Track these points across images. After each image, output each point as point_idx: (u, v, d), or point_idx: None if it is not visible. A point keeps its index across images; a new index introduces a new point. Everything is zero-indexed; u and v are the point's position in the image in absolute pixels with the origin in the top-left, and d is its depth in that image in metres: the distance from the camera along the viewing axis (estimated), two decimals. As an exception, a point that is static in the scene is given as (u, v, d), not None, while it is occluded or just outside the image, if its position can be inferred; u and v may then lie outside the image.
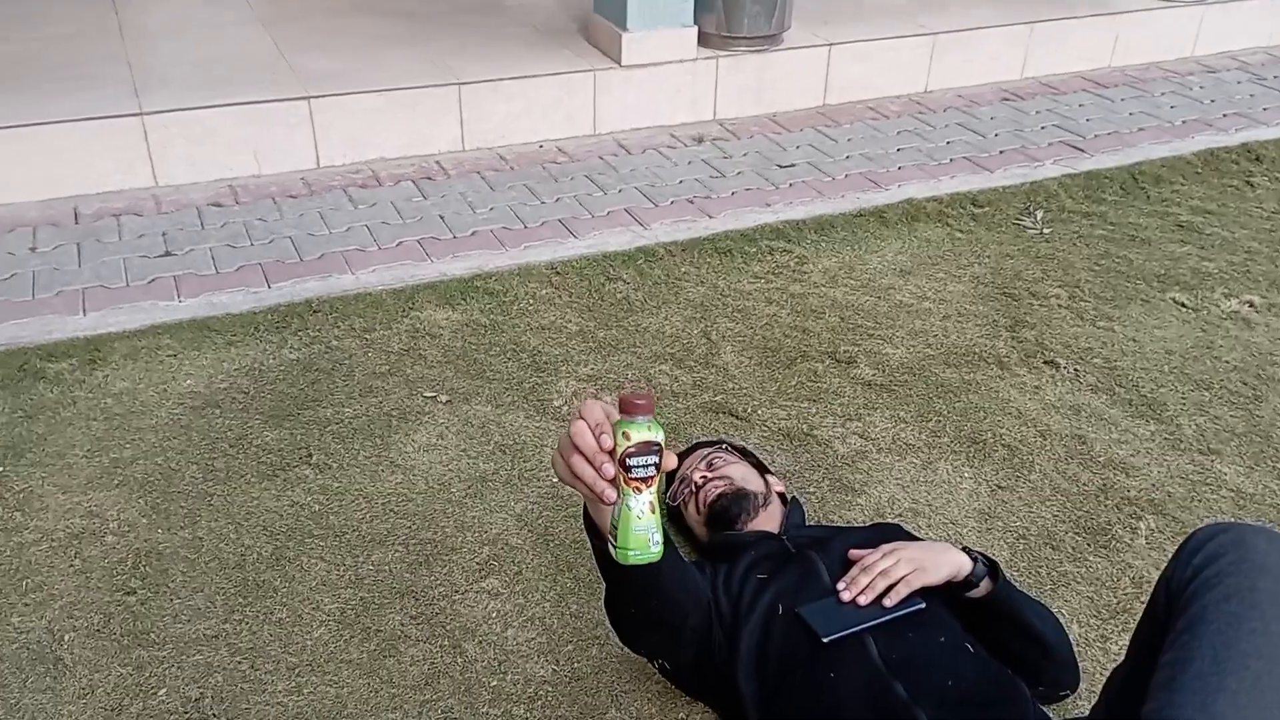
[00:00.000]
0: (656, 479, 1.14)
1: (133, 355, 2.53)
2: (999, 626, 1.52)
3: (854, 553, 1.57)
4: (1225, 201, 3.44)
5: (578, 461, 1.14)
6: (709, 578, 1.62)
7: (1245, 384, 2.46)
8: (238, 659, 1.73)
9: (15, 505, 2.04)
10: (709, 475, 1.86)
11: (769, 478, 1.91)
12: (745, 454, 1.98)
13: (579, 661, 1.73)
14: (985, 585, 1.51)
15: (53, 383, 2.42)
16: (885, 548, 1.54)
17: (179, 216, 3.25)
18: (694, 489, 1.86)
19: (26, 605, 1.81)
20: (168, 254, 3.03)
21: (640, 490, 1.13)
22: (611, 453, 1.13)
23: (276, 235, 3.16)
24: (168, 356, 2.54)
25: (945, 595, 1.52)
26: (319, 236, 3.16)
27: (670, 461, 1.15)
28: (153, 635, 1.77)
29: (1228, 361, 2.55)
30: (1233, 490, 2.11)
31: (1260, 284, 2.92)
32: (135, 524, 2.01)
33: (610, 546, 1.18)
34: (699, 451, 1.97)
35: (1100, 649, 1.75)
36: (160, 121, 3.37)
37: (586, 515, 1.32)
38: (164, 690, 1.66)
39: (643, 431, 1.12)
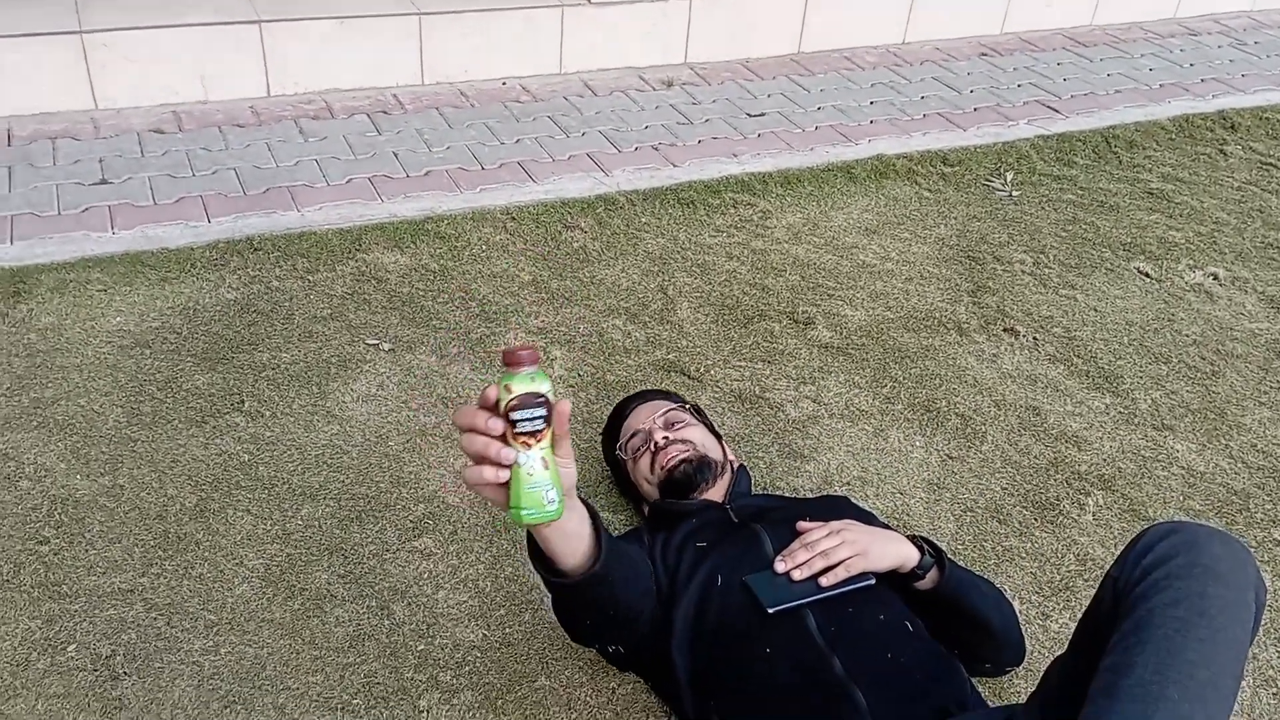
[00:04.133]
0: (546, 433, 1.08)
1: (60, 289, 2.42)
2: (944, 614, 1.48)
3: (801, 525, 1.52)
4: (1197, 170, 3.39)
5: (468, 438, 1.07)
6: (646, 548, 1.57)
7: (1203, 359, 2.43)
8: (153, 615, 1.66)
9: (-75, 445, 1.95)
10: (670, 436, 1.75)
11: (723, 445, 1.84)
12: (698, 412, 1.90)
13: (510, 627, 1.68)
14: (932, 577, 1.47)
15: (-27, 315, 2.30)
16: (834, 525, 1.49)
17: (118, 142, 3.11)
18: (654, 447, 1.75)
19: (-69, 553, 1.73)
20: (104, 181, 2.89)
21: (529, 445, 1.08)
22: (496, 407, 1.07)
23: (220, 166, 3.02)
24: (97, 291, 2.43)
25: (890, 580, 1.48)
26: (265, 170, 3.03)
27: (564, 410, 1.09)
28: (65, 587, 1.69)
29: (1187, 335, 2.52)
30: (1184, 468, 2.08)
31: (1226, 256, 2.88)
32: (53, 469, 1.92)
33: (505, 511, 1.12)
34: (653, 403, 1.85)
35: (1041, 626, 1.72)
36: (101, 40, 3.20)
37: (531, 543, 1.26)
38: (73, 646, 1.59)
39: (525, 383, 1.07)
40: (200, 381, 2.17)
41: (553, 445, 1.10)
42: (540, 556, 1.26)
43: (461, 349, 2.33)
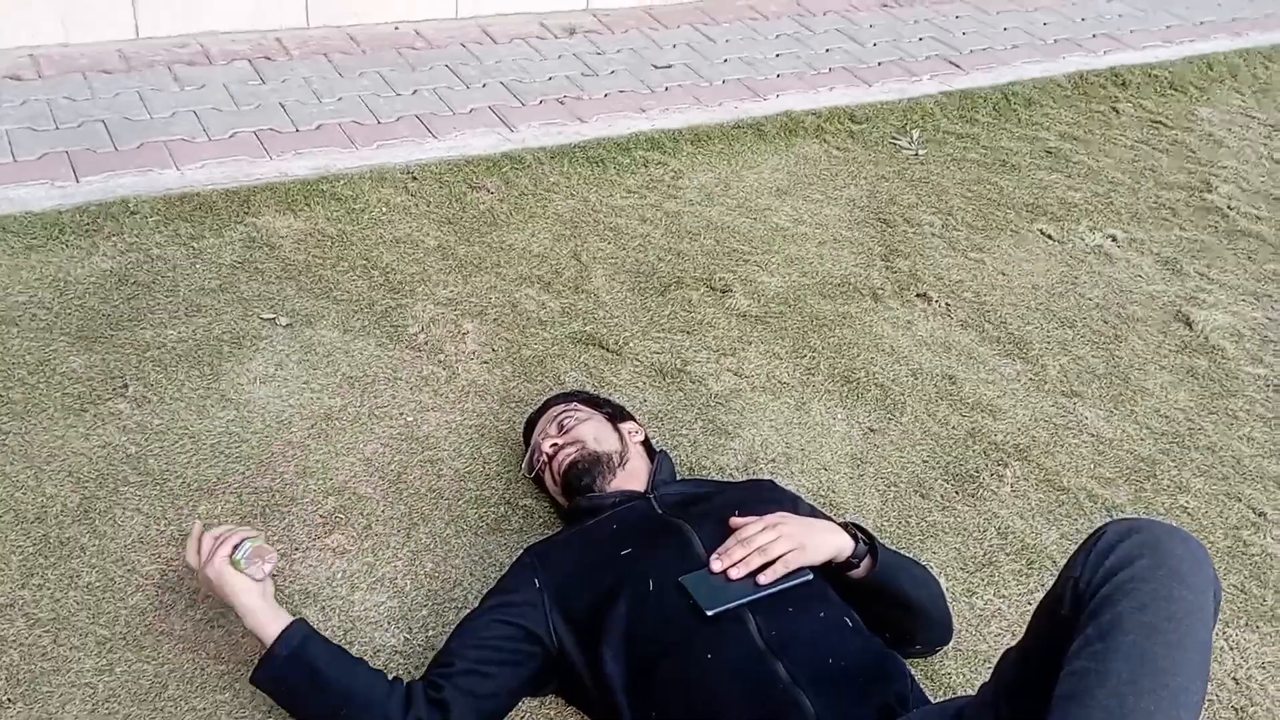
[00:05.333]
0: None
1: (-92, 259, 2.18)
2: (876, 601, 1.47)
3: (734, 521, 1.48)
4: (1092, 128, 3.45)
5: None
6: (539, 590, 1.48)
7: (1106, 322, 2.49)
8: (37, 632, 1.52)
9: None
10: (559, 442, 1.71)
11: (625, 427, 1.78)
12: (597, 404, 1.84)
13: (433, 629, 1.60)
14: (865, 565, 1.45)
15: None
16: (768, 519, 1.45)
17: (-33, 90, 2.82)
18: (546, 459, 1.72)
19: None
20: (-47, 135, 2.62)
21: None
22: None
23: (87, 118, 2.77)
24: (-48, 262, 2.20)
25: (825, 571, 1.46)
26: (138, 122, 2.79)
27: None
28: (-67, 604, 1.53)
29: (1090, 298, 2.57)
30: (1093, 435, 2.12)
31: (1122, 217, 2.95)
32: (-88, 468, 1.74)
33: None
34: (550, 411, 1.81)
35: (967, 603, 1.74)
36: (-60, -26, 2.89)
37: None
38: (-53, 672, 1.45)
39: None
40: (76, 364, 1.99)
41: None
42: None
43: (366, 323, 2.21)
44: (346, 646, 1.55)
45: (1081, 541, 1.16)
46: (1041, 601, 1.19)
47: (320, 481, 1.82)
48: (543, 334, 2.25)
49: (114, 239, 2.34)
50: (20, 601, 1.56)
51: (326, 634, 1.57)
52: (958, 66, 3.77)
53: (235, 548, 1.40)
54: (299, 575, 1.66)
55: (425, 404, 2.03)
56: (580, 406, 1.79)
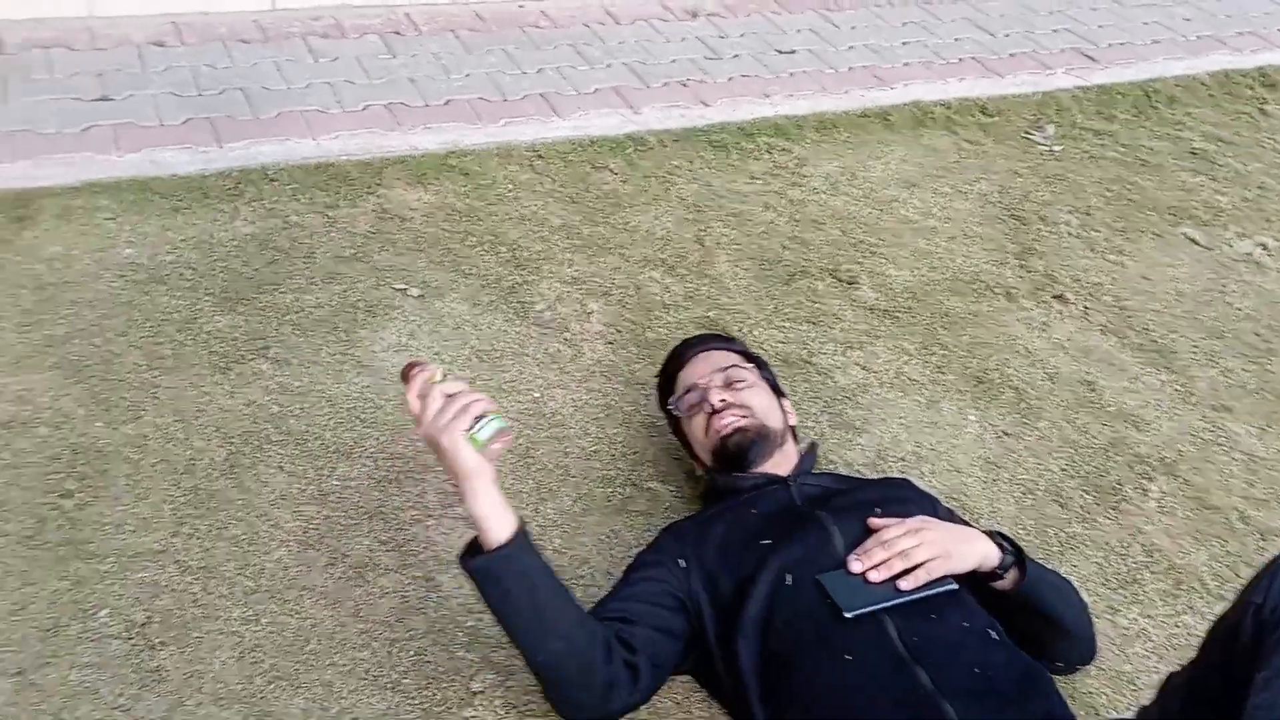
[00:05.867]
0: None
1: (66, 216, 2.27)
2: (1019, 614, 1.42)
3: (874, 521, 1.44)
4: (1239, 130, 3.29)
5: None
6: (682, 568, 1.47)
7: (1258, 335, 2.37)
8: (188, 579, 1.57)
9: (-67, 385, 1.82)
10: (727, 399, 1.63)
11: (785, 404, 1.74)
12: (761, 366, 1.78)
13: (563, 603, 1.61)
14: (1012, 577, 1.41)
15: (-26, 241, 2.16)
16: (910, 523, 1.41)
17: (116, 54, 2.92)
18: (709, 409, 1.64)
19: (-53, 506, 1.62)
20: (105, 98, 2.71)
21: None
22: None
23: (227, 86, 2.85)
24: (105, 219, 2.28)
25: (968, 579, 1.41)
26: (275, 91, 2.86)
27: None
28: (92, 546, 1.60)
29: (1240, 309, 2.46)
30: (1245, 454, 2.03)
31: (1273, 224, 2.80)
32: (71, 414, 1.81)
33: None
34: (713, 354, 1.72)
35: (1109, 620, 1.67)
36: (97, -59, 2.99)
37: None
38: (105, 611, 1.51)
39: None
40: (221, 323, 2.05)
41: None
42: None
43: (494, 297, 2.23)
44: (478, 617, 1.57)
45: (1261, 567, 1.11)
46: (1214, 627, 1.13)
47: (452, 451, 1.84)
48: (666, 317, 2.24)
49: (254, 204, 2.40)
50: (172, 548, 1.61)
51: (460, 601, 1.59)
52: (1093, 60, 3.64)
53: (476, 420, 1.29)
54: (432, 542, 1.68)
55: (551, 381, 2.04)
56: (746, 365, 1.71)
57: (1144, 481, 1.93)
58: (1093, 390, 2.15)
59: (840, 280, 2.40)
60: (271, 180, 2.48)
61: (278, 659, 1.48)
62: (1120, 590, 1.73)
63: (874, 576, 1.37)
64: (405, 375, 1.36)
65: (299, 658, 1.48)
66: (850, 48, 3.54)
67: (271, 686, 1.44)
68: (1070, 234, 2.67)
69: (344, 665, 1.48)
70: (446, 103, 2.93)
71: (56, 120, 2.59)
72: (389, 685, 1.47)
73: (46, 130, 2.54)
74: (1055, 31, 3.83)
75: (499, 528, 1.30)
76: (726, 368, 1.69)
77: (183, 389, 1.89)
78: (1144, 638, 1.65)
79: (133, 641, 1.47)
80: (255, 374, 1.95)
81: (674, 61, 3.30)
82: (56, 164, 2.43)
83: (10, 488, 1.66)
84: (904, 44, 3.61)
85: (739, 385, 1.67)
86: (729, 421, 1.62)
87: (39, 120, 2.57)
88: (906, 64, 3.47)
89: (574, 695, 1.35)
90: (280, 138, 2.66)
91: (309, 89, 2.90)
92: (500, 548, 1.30)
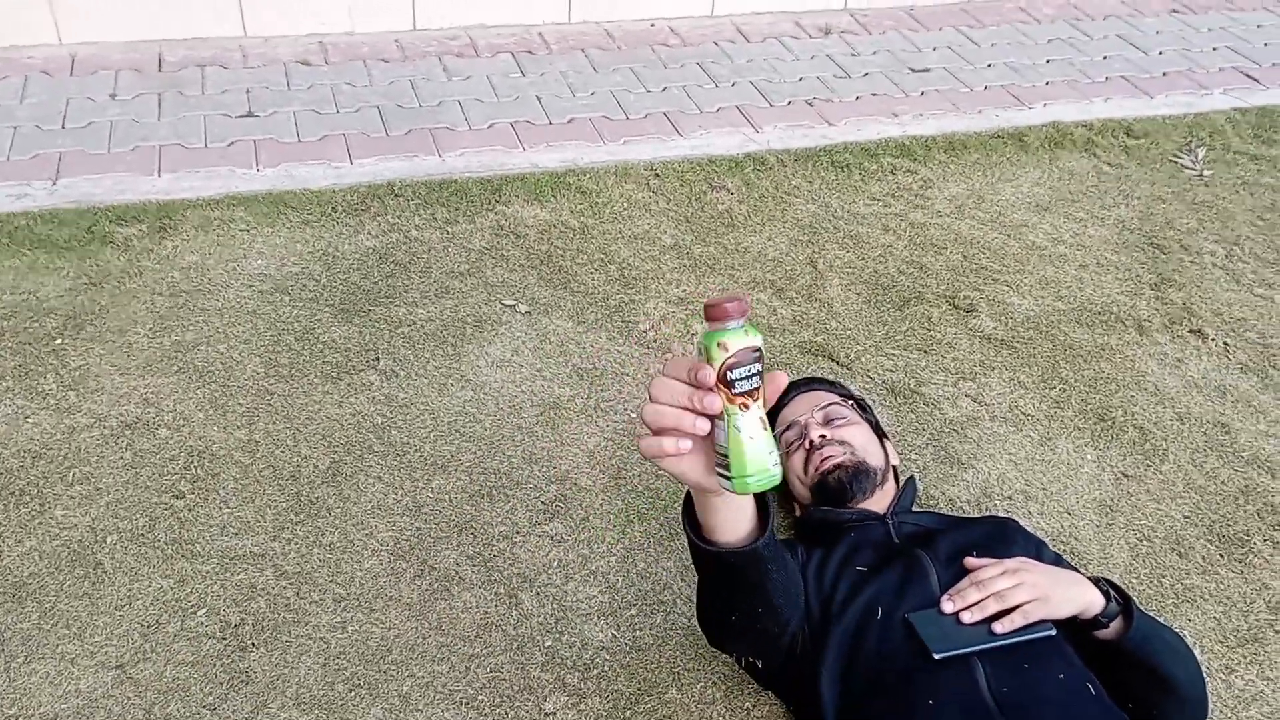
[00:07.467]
0: (761, 391, 0.98)
1: (205, 226, 2.41)
2: (1124, 668, 1.33)
3: (969, 561, 1.38)
4: None
5: (657, 410, 0.97)
6: (799, 561, 1.45)
7: None
8: (283, 583, 1.63)
9: (70, 383, 1.96)
10: (827, 434, 1.62)
11: (887, 445, 1.70)
12: (863, 408, 1.75)
13: (641, 629, 1.60)
14: (1116, 626, 1.32)
15: (121, 249, 2.31)
16: (1008, 563, 1.34)
17: (265, 73, 3.08)
18: (808, 445, 1.62)
19: (72, 498, 1.74)
20: (250, 114, 2.87)
21: (747, 407, 0.97)
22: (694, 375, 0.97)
23: (364, 104, 2.97)
24: (240, 231, 2.41)
25: (1068, 627, 1.33)
26: (408, 109, 2.96)
27: (779, 382, 0.99)
28: (197, 546, 1.68)
29: (1407, 352, 2.24)
30: (1400, 513, 1.84)
31: None
32: (191, 418, 1.91)
33: (723, 482, 1.00)
34: (812, 395, 1.72)
35: (1223, 681, 1.55)
36: (252, -33, 3.17)
37: (687, 507, 1.15)
38: (203, 611, 1.58)
39: (740, 337, 0.96)
40: (337, 334, 2.13)
41: None
42: (697, 525, 1.15)
43: (599, 316, 2.24)
44: (557, 636, 1.58)
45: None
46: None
47: (544, 469, 1.86)
48: (771, 341, 2.20)
49: (379, 219, 2.49)
50: (271, 553, 1.68)
51: (539, 620, 1.60)
52: (1255, 80, 3.40)
53: None
54: (518, 558, 1.70)
55: (650, 402, 2.03)
56: (846, 404, 1.69)
57: (1275, 533, 1.78)
58: (1226, 433, 2.00)
59: (957, 307, 2.31)
60: (397, 195, 2.57)
61: (360, 667, 1.52)
62: (1239, 649, 1.59)
63: (967, 618, 1.31)
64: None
65: (380, 667, 1.52)
66: (989, 65, 3.41)
67: (352, 694, 1.48)
68: (1215, 265, 2.49)
69: (422, 677, 1.51)
70: (570, 121, 2.97)
71: (203, 135, 2.75)
72: (463, 700, 1.49)
73: (193, 144, 2.71)
74: (1214, 49, 3.60)
75: (747, 514, 1.17)
76: (826, 405, 1.68)
77: (295, 397, 1.97)
78: (1261, 700, 1.52)
79: (226, 642, 1.54)
80: (364, 385, 2.01)
81: (801, 80, 3.26)
82: (200, 177, 2.59)
83: (129, 486, 1.77)
84: (1047, 61, 3.46)
85: (838, 422, 1.65)
86: (829, 456, 1.59)
87: (187, 135, 2.74)
88: (1048, 83, 3.32)
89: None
90: (409, 154, 2.76)
91: (440, 106, 2.99)
92: (756, 539, 1.18)
